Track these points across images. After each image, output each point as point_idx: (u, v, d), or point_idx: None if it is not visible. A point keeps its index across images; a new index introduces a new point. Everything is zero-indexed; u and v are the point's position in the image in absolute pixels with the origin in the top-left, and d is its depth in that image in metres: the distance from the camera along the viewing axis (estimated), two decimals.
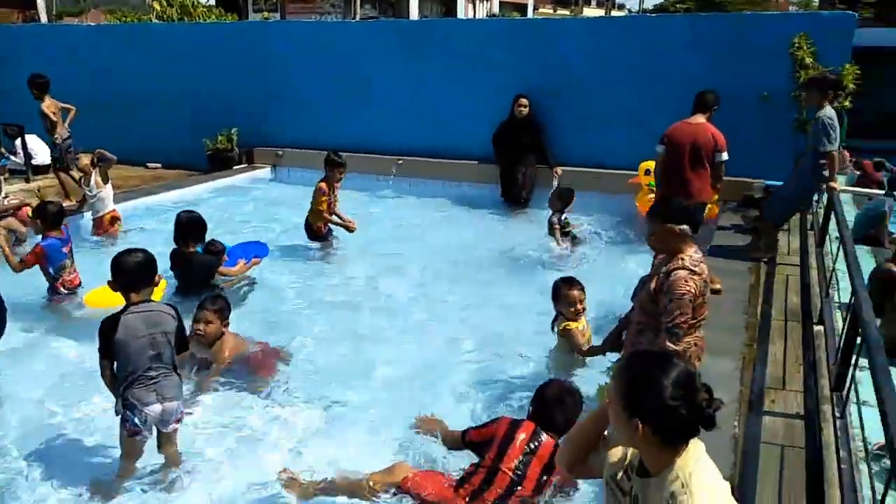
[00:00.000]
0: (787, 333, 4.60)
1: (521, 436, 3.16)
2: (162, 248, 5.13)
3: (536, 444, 3.15)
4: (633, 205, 7.90)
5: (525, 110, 8.52)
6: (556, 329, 4.56)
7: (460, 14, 31.48)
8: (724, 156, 5.75)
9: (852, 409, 3.28)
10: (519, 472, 3.08)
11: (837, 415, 3.27)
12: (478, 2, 30.82)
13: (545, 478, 3.11)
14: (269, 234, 7.48)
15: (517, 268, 6.70)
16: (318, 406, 4.17)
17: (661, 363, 1.79)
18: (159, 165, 11.36)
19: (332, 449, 3.68)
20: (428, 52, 9.56)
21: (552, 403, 3.26)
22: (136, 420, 3.30)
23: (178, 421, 3.51)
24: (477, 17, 29.94)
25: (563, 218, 7.10)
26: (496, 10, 32.97)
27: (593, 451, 2.13)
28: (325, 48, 10.18)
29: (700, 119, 5.85)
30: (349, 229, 7.01)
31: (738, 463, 3.22)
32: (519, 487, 3.07)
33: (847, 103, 7.11)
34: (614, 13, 45.74)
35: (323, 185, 6.79)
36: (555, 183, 8.20)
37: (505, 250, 7.11)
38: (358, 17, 23.71)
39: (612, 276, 6.02)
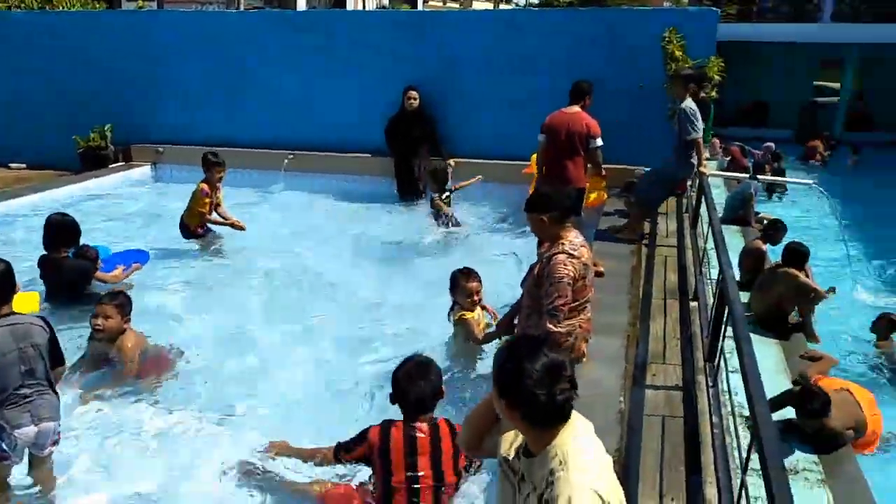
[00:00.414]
0: (666, 310, 4.89)
1: (399, 442, 2.94)
2: (27, 255, 4.74)
3: (413, 438, 2.94)
4: (526, 194, 8.11)
5: (415, 102, 8.54)
6: (451, 318, 4.63)
7: (349, 5, 31.06)
8: (598, 142, 6.06)
9: (724, 377, 3.56)
10: (430, 474, 2.93)
11: (710, 383, 3.52)
12: None
13: (456, 464, 3.01)
14: (150, 238, 7.10)
15: (413, 259, 6.73)
16: (213, 412, 4.02)
17: (530, 351, 1.82)
18: (24, 166, 10.47)
19: (230, 455, 3.54)
20: (317, 43, 9.36)
21: (406, 385, 2.99)
22: (4, 445, 3.03)
23: (55, 444, 3.26)
24: (367, 8, 29.65)
25: (444, 196, 7.33)
26: (386, 1, 32.78)
27: (490, 433, 2.18)
28: (208, 39, 9.74)
29: (575, 108, 6.14)
30: (238, 228, 6.79)
31: (623, 435, 3.39)
32: (442, 487, 2.97)
33: (714, 94, 7.64)
34: (502, 7, 46.67)
35: (204, 185, 6.61)
36: (449, 172, 8.29)
37: (400, 243, 7.13)
38: (242, 7, 22.84)
39: (505, 264, 6.18)
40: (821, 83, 18.64)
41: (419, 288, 5.86)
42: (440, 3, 40.62)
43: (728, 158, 12.28)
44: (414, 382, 2.98)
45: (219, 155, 6.73)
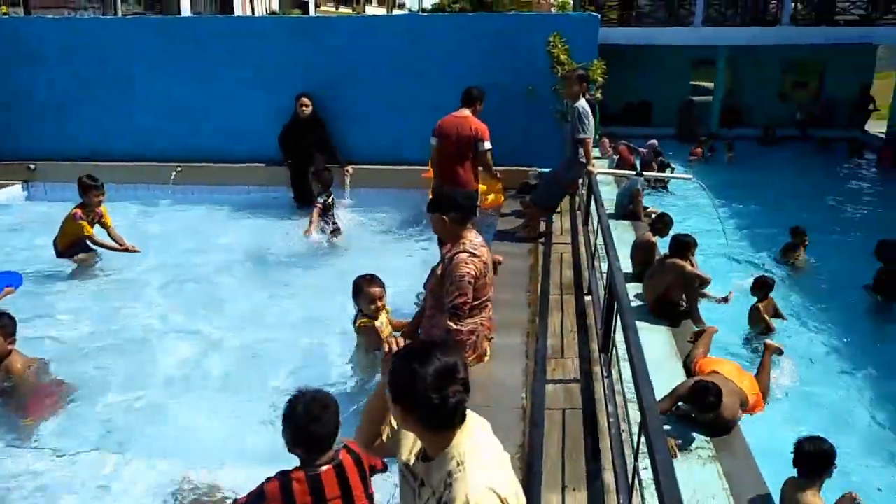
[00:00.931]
0: (563, 306, 5.05)
1: (303, 495, 2.53)
2: None
3: (319, 487, 2.54)
4: (426, 198, 8.17)
5: (308, 109, 8.39)
6: (355, 326, 4.57)
7: (237, 11, 30.11)
8: (487, 145, 6.21)
9: (618, 367, 3.72)
10: None
11: (605, 374, 3.67)
12: None
13: (366, 491, 2.69)
14: (24, 260, 6.57)
15: (312, 269, 6.62)
16: (109, 449, 3.78)
17: (423, 355, 1.81)
18: None
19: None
20: (204, 50, 9.00)
21: (304, 425, 2.55)
22: None
23: None
24: (255, 13, 28.84)
25: (327, 200, 7.28)
26: (276, 6, 32.01)
27: (384, 430, 2.20)
28: (84, 46, 9.13)
29: (465, 112, 6.25)
30: (127, 250, 6.49)
31: (526, 431, 3.47)
32: None
33: (599, 95, 7.99)
34: (396, 12, 46.76)
35: (78, 210, 6.31)
36: (346, 180, 8.23)
37: (299, 253, 6.98)
38: (120, 13, 21.64)
39: (407, 268, 6.18)
40: (696, 83, 19.96)
41: (319, 298, 5.76)
42: (332, 8, 40.19)
43: (617, 157, 12.87)
44: (312, 422, 2.56)
45: (96, 178, 6.43)
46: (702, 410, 4.21)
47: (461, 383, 1.81)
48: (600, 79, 7.70)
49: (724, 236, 8.47)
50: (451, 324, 3.65)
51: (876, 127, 17.99)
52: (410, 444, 2.05)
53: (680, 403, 4.34)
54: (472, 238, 3.80)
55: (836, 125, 17.98)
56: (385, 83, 8.77)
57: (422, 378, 1.75)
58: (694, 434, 4.25)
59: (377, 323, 4.50)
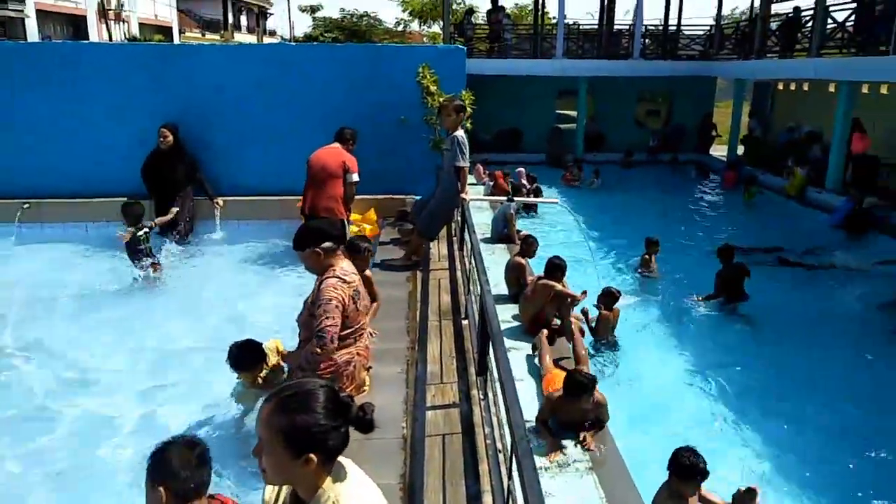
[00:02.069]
0: (441, 331, 5.12)
1: None
2: None
3: None
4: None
5: (168, 140, 8.03)
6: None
7: (93, 36, 28.31)
8: (354, 177, 6.48)
9: (495, 388, 3.81)
10: None
11: (482, 396, 3.75)
12: (112, 23, 27.96)
13: None
14: None
15: (190, 305, 6.31)
16: None
17: (308, 395, 1.80)
18: None
19: None
20: (56, 78, 8.38)
21: (178, 472, 2.44)
22: None
23: None
24: (113, 39, 27.25)
25: (136, 234, 6.96)
26: (136, 31, 30.40)
27: None
28: None
29: (336, 145, 6.48)
30: None
31: (407, 459, 3.47)
32: None
33: (468, 125, 8.26)
34: (266, 40, 45.99)
35: None
36: (217, 213, 7.94)
37: (168, 288, 6.63)
38: None
39: (278, 304, 6.04)
40: (562, 111, 21.18)
41: (196, 333, 5.50)
42: (198, 35, 38.87)
43: (492, 183, 13.32)
44: (184, 469, 2.45)
45: None
46: (580, 393, 4.38)
47: (351, 399, 1.85)
48: (469, 108, 7.98)
49: (590, 253, 8.98)
50: (316, 349, 3.58)
51: (718, 151, 19.93)
52: (271, 499, 1.99)
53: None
54: (344, 266, 3.78)
55: (685, 150, 19.70)
56: (255, 113, 8.58)
57: (322, 411, 1.75)
58: (571, 447, 4.44)
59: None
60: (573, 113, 19.92)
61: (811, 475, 4.93)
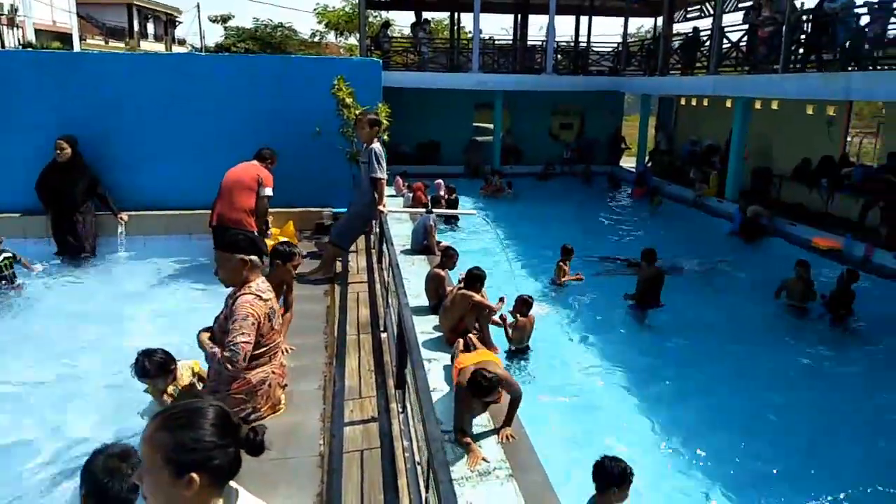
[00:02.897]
0: (360, 344, 5.07)
1: None
2: None
3: None
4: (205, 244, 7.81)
5: (64, 153, 7.59)
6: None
7: None
8: (268, 191, 6.44)
9: (413, 401, 3.79)
10: None
11: (400, 409, 3.73)
12: (5, 28, 26.14)
13: None
14: None
15: (91, 324, 5.96)
16: None
17: (195, 413, 1.74)
18: None
19: None
20: None
21: (104, 478, 2.49)
22: None
23: None
24: (6, 46, 25.53)
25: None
26: (31, 38, 28.54)
27: None
28: None
29: (254, 162, 6.51)
30: None
31: (325, 478, 3.39)
32: None
33: (386, 137, 8.25)
34: (175, 49, 44.42)
35: None
36: (120, 230, 7.56)
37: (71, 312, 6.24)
38: None
39: (190, 322, 5.80)
40: (480, 124, 21.54)
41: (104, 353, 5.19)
42: (101, 42, 37.03)
43: (411, 195, 13.36)
44: (110, 478, 2.45)
45: None
46: (488, 393, 4.43)
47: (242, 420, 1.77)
48: (385, 121, 7.98)
49: (508, 262, 9.14)
50: (227, 364, 3.45)
51: (628, 163, 20.82)
52: None
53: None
54: (259, 283, 3.69)
55: (597, 162, 20.45)
56: (161, 125, 8.25)
57: (210, 430, 1.68)
58: (491, 450, 4.47)
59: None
60: (491, 126, 20.30)
61: (728, 471, 5.15)
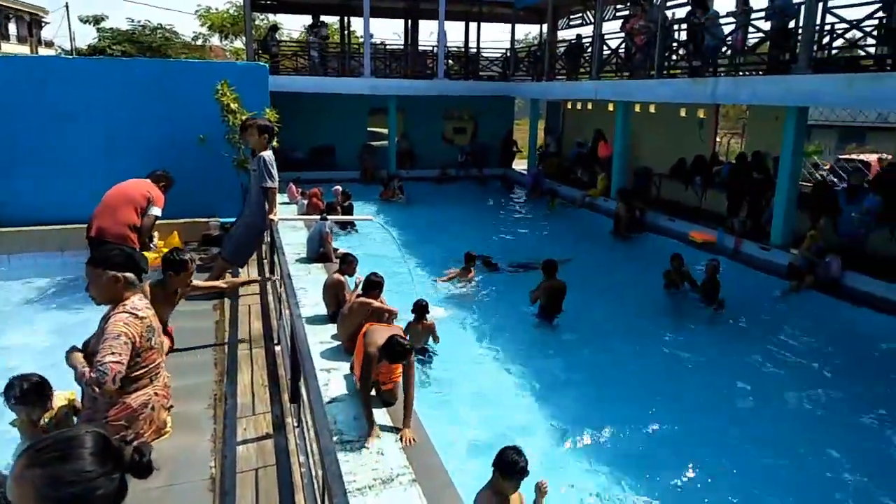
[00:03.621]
0: (252, 359, 4.89)
1: None
2: None
3: None
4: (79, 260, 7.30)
5: None
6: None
7: None
8: (156, 210, 6.21)
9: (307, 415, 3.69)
10: None
11: (295, 424, 3.62)
12: None
13: None
14: None
15: None
16: None
17: (70, 442, 1.60)
18: None
19: None
20: None
21: None
22: None
23: None
24: None
25: None
26: None
27: None
28: None
29: (147, 180, 6.33)
30: None
31: (216, 502, 3.24)
32: None
33: (276, 143, 8.02)
34: (42, 51, 41.32)
35: None
36: None
37: None
38: None
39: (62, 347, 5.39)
40: (375, 129, 21.45)
41: None
42: None
43: (306, 202, 13.07)
44: None
45: None
46: (400, 358, 4.62)
47: (126, 442, 1.68)
48: (275, 127, 7.77)
49: (407, 267, 9.13)
50: (94, 387, 3.20)
51: (520, 166, 21.43)
52: None
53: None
54: (136, 301, 3.47)
55: (491, 165, 20.91)
56: (25, 134, 7.60)
57: (90, 459, 1.55)
58: (394, 461, 4.44)
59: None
60: (385, 130, 20.26)
61: (626, 466, 5.35)
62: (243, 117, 7.26)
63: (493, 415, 6.01)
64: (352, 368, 5.79)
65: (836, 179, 14.50)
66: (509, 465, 3.79)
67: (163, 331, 4.16)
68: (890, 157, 17.07)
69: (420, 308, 6.99)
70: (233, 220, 7.31)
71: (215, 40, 35.69)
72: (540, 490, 3.92)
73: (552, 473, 4.96)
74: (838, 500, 4.97)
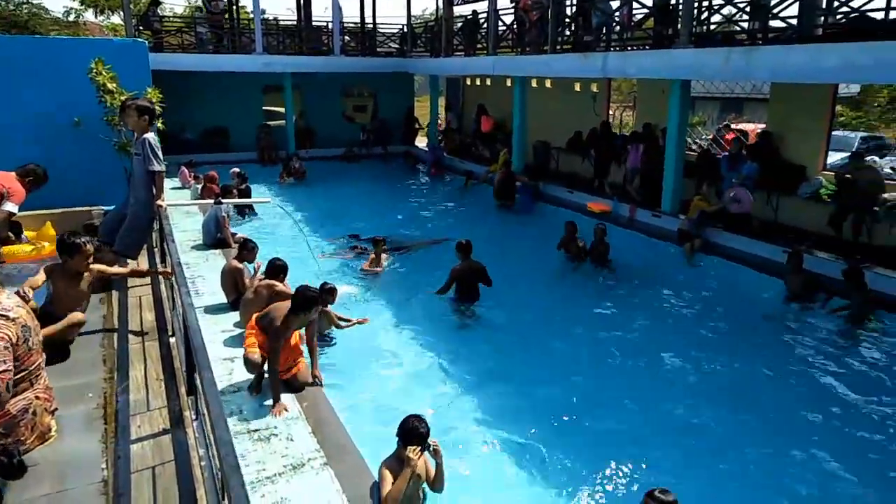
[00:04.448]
0: (146, 353, 4.64)
1: None
2: None
3: None
4: None
5: None
6: None
7: None
8: (9, 206, 5.85)
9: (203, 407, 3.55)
10: None
11: (194, 417, 3.47)
12: None
13: None
14: None
15: None
16: None
17: None
18: None
19: None
20: None
21: None
22: None
23: None
24: None
25: None
26: None
27: None
28: None
29: (11, 173, 5.95)
30: None
31: None
32: None
33: (161, 125, 7.57)
34: None
35: None
36: None
37: None
38: None
39: None
40: (271, 108, 20.71)
41: None
42: None
43: (200, 186, 12.47)
44: None
45: None
46: (311, 305, 4.68)
47: None
48: (158, 107, 7.32)
49: (309, 251, 8.92)
50: None
51: (423, 143, 21.39)
52: None
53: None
54: (3, 300, 3.19)
55: (394, 143, 20.74)
56: None
57: None
58: (304, 446, 4.36)
59: None
60: (282, 109, 19.61)
61: (537, 444, 5.39)
62: (122, 98, 6.80)
63: (401, 396, 5.97)
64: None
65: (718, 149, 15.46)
66: (409, 431, 3.82)
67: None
68: (764, 126, 18.36)
69: (329, 292, 6.85)
70: (117, 208, 6.87)
71: (89, 16, 33.15)
72: (434, 452, 3.97)
73: (464, 447, 5.07)
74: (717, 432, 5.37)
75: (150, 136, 5.91)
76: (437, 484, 3.96)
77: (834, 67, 7.86)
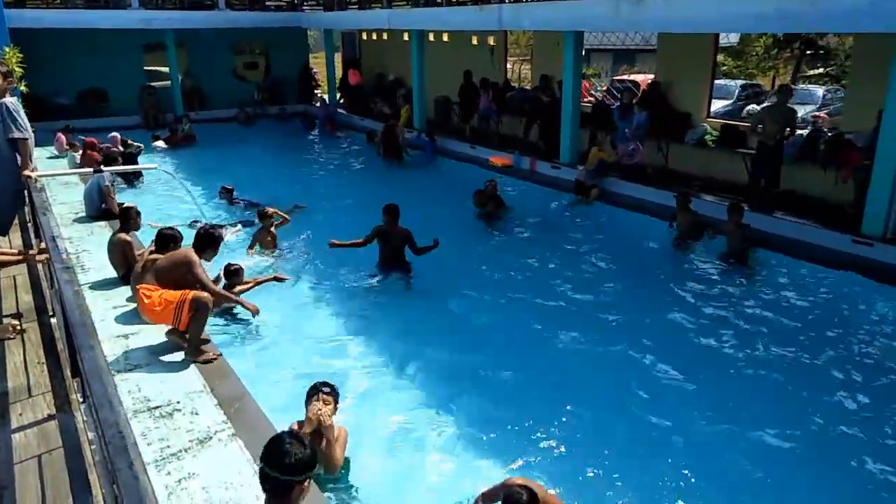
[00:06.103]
0: (24, 336, 4.30)
1: None
2: None
3: None
4: None
5: None
6: None
7: None
8: None
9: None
10: None
11: (81, 400, 3.27)
12: None
13: None
14: None
15: None
16: None
17: None
18: None
19: None
20: None
21: None
22: None
23: None
24: None
25: None
26: None
27: None
28: None
29: None
30: None
31: None
32: None
33: (24, 87, 6.91)
34: None
35: None
36: None
37: None
38: None
39: None
40: (154, 68, 19.34)
41: None
42: None
43: (79, 153, 11.57)
44: None
45: None
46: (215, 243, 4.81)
47: None
48: (17, 69, 6.66)
49: (203, 218, 8.49)
50: None
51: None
52: None
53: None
54: None
55: (290, 101, 19.95)
56: None
57: None
58: (209, 419, 4.20)
59: None
60: (166, 69, 18.37)
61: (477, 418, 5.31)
62: None
63: (316, 367, 5.78)
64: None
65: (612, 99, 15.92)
66: (312, 390, 3.83)
67: None
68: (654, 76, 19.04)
69: (230, 273, 6.53)
70: None
71: None
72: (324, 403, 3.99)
73: (380, 413, 5.04)
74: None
75: (9, 101, 5.41)
76: (330, 458, 3.82)
77: (714, 17, 8.22)
